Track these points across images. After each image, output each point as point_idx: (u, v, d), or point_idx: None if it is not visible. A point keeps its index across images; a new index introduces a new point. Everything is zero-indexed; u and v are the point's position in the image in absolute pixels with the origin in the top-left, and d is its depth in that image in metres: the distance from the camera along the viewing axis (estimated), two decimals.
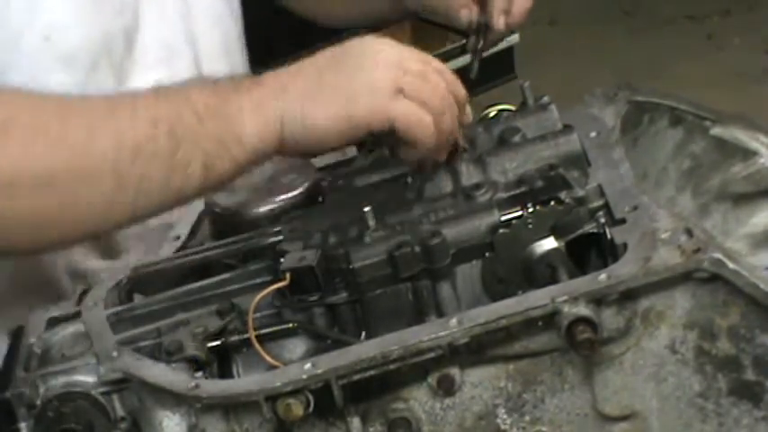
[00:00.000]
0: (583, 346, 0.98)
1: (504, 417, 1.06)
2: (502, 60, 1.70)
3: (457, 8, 1.47)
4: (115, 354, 1.10)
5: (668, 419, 1.04)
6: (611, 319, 1.01)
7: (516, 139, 1.22)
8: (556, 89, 1.32)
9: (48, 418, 1.08)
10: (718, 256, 0.99)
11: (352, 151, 1.36)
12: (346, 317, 1.10)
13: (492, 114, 1.30)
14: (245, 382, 1.07)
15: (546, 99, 1.27)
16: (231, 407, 1.05)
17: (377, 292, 1.09)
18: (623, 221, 1.06)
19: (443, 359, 1.03)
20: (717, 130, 1.21)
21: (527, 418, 1.06)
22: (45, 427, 1.08)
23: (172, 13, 1.49)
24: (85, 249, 1.47)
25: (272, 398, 1.02)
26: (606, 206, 1.10)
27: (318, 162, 1.35)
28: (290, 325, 1.10)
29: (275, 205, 1.23)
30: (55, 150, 1.08)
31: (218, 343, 1.10)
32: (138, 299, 1.24)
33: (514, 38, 1.70)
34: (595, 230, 1.08)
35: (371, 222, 1.11)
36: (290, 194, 1.23)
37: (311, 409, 1.02)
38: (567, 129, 1.20)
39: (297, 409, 1.01)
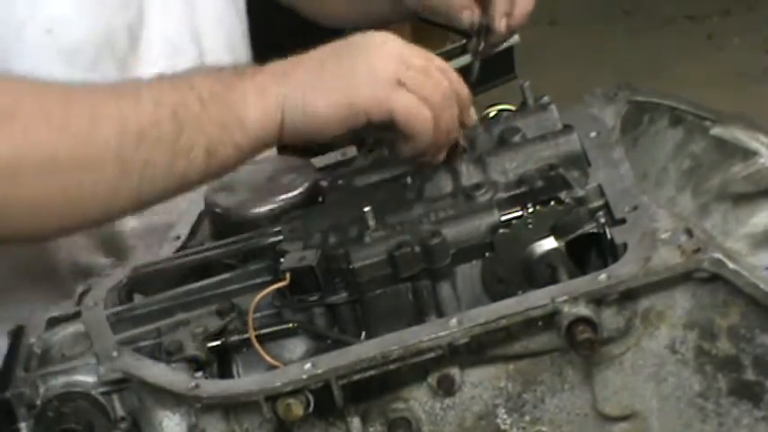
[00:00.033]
0: (583, 346, 0.98)
1: (504, 417, 1.06)
2: (502, 60, 1.70)
3: (458, 9, 1.48)
4: (115, 354, 1.10)
5: (668, 419, 1.04)
6: (611, 319, 1.01)
7: (516, 139, 1.22)
8: (556, 89, 1.32)
9: (48, 418, 1.08)
10: (718, 256, 0.99)
11: (352, 151, 1.37)
12: (346, 317, 1.10)
13: (492, 114, 1.30)
14: (245, 382, 1.07)
15: (546, 99, 1.27)
16: (231, 407, 1.05)
17: (377, 292, 1.09)
18: (623, 221, 1.06)
19: (443, 359, 1.03)
20: (717, 130, 1.21)
21: (527, 418, 1.06)
22: (45, 427, 1.08)
23: (176, 9, 1.49)
24: (88, 245, 1.47)
25: (272, 398, 1.02)
26: (606, 206, 1.10)
27: (318, 162, 1.35)
28: (290, 325, 1.10)
29: (275, 205, 1.23)
30: (58, 136, 1.08)
31: (218, 343, 1.10)
32: (138, 299, 1.24)
33: (515, 38, 1.70)
34: (595, 230, 1.08)
35: (371, 222, 1.11)
36: (290, 194, 1.23)
37: (311, 409, 1.02)
38: (567, 129, 1.20)
39: (297, 409, 1.01)
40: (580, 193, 1.10)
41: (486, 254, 1.10)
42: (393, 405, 1.06)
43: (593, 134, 1.21)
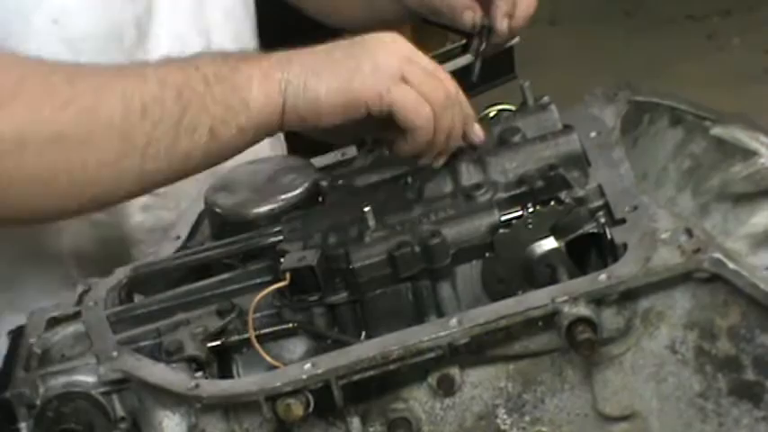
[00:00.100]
0: (583, 346, 0.98)
1: (504, 417, 1.06)
2: (502, 60, 1.70)
3: (460, 10, 1.48)
4: (115, 354, 1.10)
5: (668, 419, 1.04)
6: (611, 319, 1.01)
7: (516, 139, 1.21)
8: (556, 89, 1.32)
9: (48, 418, 1.08)
10: (718, 256, 0.99)
11: (352, 151, 1.37)
12: (346, 317, 1.10)
13: (492, 114, 1.30)
14: (245, 382, 1.07)
15: (546, 99, 1.27)
16: (231, 407, 1.05)
17: (377, 292, 1.09)
18: (623, 221, 1.06)
19: (443, 359, 1.03)
20: (717, 130, 1.21)
21: (527, 418, 1.06)
22: (45, 427, 1.08)
23: (185, 4, 1.50)
24: (93, 235, 1.47)
25: (272, 398, 1.02)
26: (606, 206, 1.10)
27: (318, 162, 1.35)
28: (290, 325, 1.10)
29: (275, 205, 1.22)
30: (63, 112, 1.09)
31: (218, 343, 1.10)
32: (138, 299, 1.24)
33: (515, 38, 1.70)
34: (595, 230, 1.08)
35: (371, 222, 1.11)
36: (290, 194, 1.23)
37: (311, 409, 1.02)
38: (567, 129, 1.20)
39: (297, 409, 1.01)
40: (580, 193, 1.10)
41: (486, 254, 1.10)
42: (393, 405, 1.06)
43: (593, 134, 1.21)
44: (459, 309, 1.09)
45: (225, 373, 1.11)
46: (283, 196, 1.23)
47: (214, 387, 1.05)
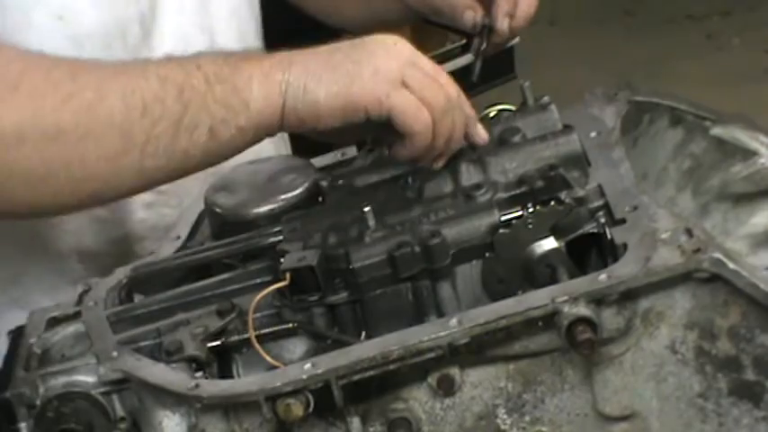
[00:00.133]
0: (583, 346, 0.98)
1: (504, 417, 1.06)
2: (502, 60, 1.70)
3: (461, 10, 1.48)
4: (115, 354, 1.10)
5: (668, 419, 1.04)
6: (611, 319, 1.01)
7: (516, 139, 1.21)
8: (556, 89, 1.32)
9: (48, 418, 1.08)
10: (718, 256, 0.99)
11: (352, 151, 1.37)
12: (346, 317, 1.10)
13: (492, 114, 1.30)
14: (245, 382, 1.07)
15: (546, 99, 1.27)
16: (231, 407, 1.05)
17: (377, 292, 1.09)
18: (623, 221, 1.06)
19: (443, 359, 1.03)
20: (717, 130, 1.21)
21: (527, 418, 1.06)
22: (45, 427, 1.08)
23: (189, 4, 1.50)
24: (95, 231, 1.47)
25: (272, 398, 1.02)
26: (606, 206, 1.10)
27: (318, 162, 1.35)
28: (290, 325, 1.10)
29: (275, 205, 1.22)
30: (63, 106, 1.09)
31: (218, 343, 1.10)
32: (138, 299, 1.24)
33: (515, 38, 1.70)
34: (595, 230, 1.08)
35: (371, 222, 1.11)
36: (290, 194, 1.23)
37: (311, 409, 1.02)
38: (567, 129, 1.20)
39: (297, 409, 1.01)
40: (580, 193, 1.10)
41: (486, 254, 1.10)
42: (393, 405, 1.06)
43: (593, 134, 1.21)
44: (459, 309, 1.09)
45: (225, 373, 1.11)
46: (283, 196, 1.23)
47: (214, 387, 1.05)
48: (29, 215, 1.27)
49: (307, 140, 1.30)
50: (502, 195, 1.13)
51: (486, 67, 1.48)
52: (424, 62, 1.16)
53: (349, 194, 1.23)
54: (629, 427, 1.05)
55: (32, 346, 1.15)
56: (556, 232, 1.08)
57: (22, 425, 1.10)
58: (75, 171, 1.11)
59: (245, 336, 1.09)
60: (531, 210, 1.09)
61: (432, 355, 1.02)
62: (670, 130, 1.26)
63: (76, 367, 1.10)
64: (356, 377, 1.02)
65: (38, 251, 1.46)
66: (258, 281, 1.14)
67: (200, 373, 1.08)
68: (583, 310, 0.99)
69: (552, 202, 1.09)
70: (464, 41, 1.55)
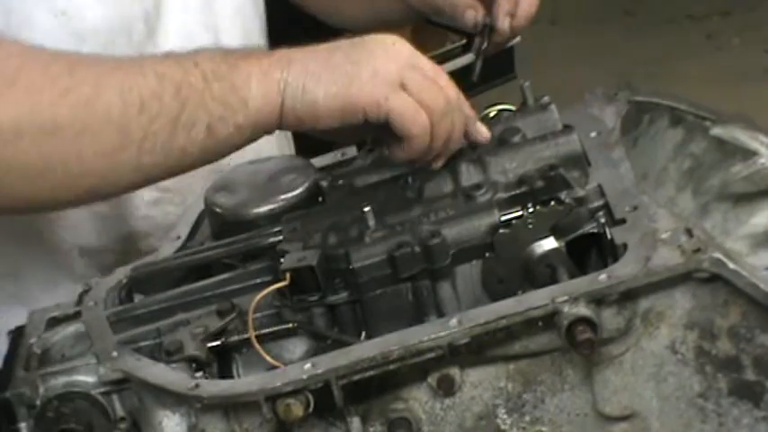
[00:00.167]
0: (583, 346, 0.98)
1: (504, 417, 1.06)
2: (502, 60, 1.70)
3: (462, 9, 1.48)
4: (115, 354, 1.10)
5: (668, 420, 1.04)
6: (611, 319, 1.01)
7: (516, 139, 1.21)
8: (556, 89, 1.32)
9: (48, 418, 1.08)
10: (718, 256, 0.99)
11: (352, 151, 1.37)
12: (346, 317, 1.10)
13: (492, 114, 1.30)
14: (245, 382, 1.07)
15: (546, 99, 1.27)
16: (231, 407, 1.05)
17: (377, 292, 1.09)
18: (623, 221, 1.06)
19: (443, 359, 1.03)
20: (717, 130, 1.21)
21: (527, 418, 1.06)
22: (45, 427, 1.08)
23: (194, 2, 1.50)
24: (97, 228, 1.47)
25: (272, 398, 1.02)
26: (606, 206, 1.10)
27: (318, 162, 1.35)
28: (290, 325, 1.10)
29: (275, 205, 1.22)
30: (61, 101, 1.09)
31: (218, 343, 1.10)
32: (138, 299, 1.24)
33: (516, 38, 1.71)
34: (595, 230, 1.08)
35: (371, 222, 1.11)
36: (290, 194, 1.23)
37: (311, 409, 1.02)
38: (567, 129, 1.20)
39: (297, 409, 1.01)
40: (580, 193, 1.10)
41: (486, 254, 1.10)
42: (393, 405, 1.06)
43: (593, 134, 1.21)
44: (459, 309, 1.09)
45: (225, 373, 1.11)
46: (283, 196, 1.23)
47: (214, 387, 1.05)
48: (27, 210, 1.27)
49: (310, 140, 1.31)
50: (502, 195, 1.13)
51: (487, 66, 1.48)
52: (424, 63, 1.16)
53: (349, 194, 1.23)
54: (629, 427, 1.05)
55: (32, 346, 1.15)
56: (556, 232, 1.08)
57: (22, 425, 1.10)
58: (72, 166, 1.11)
59: (245, 336, 1.09)
60: (531, 210, 1.09)
61: (432, 355, 1.02)
62: (670, 130, 1.26)
63: (76, 367, 1.10)
64: (356, 377, 1.02)
65: (38, 246, 1.46)
66: (258, 281, 1.14)
67: (200, 373, 1.08)
68: (583, 310, 0.99)
69: (552, 202, 1.09)
70: (464, 41, 1.55)
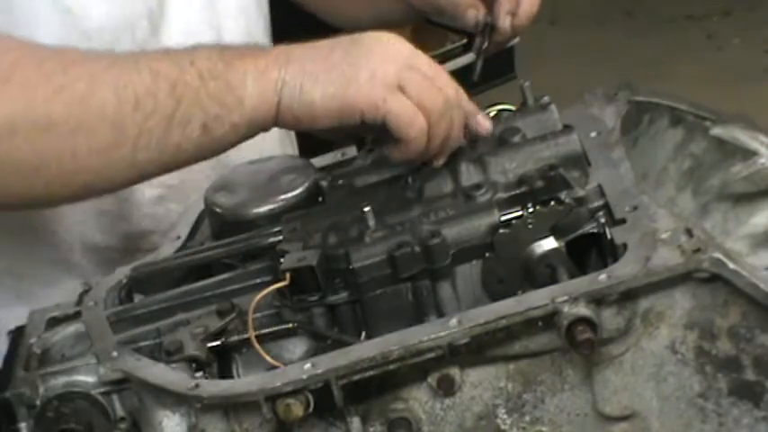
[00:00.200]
0: (583, 346, 0.98)
1: (504, 417, 1.06)
2: (502, 60, 1.70)
3: (464, 8, 1.48)
4: (115, 354, 1.10)
5: (668, 420, 1.04)
6: (611, 319, 1.01)
7: (516, 139, 1.21)
8: (556, 89, 1.32)
9: (47, 418, 1.08)
10: (718, 256, 0.99)
11: (352, 151, 1.37)
12: (346, 317, 1.10)
13: (492, 114, 1.30)
14: (245, 382, 1.07)
15: (546, 99, 1.27)
16: (231, 407, 1.05)
17: (377, 292, 1.09)
18: (623, 221, 1.06)
19: (443, 359, 1.03)
20: (717, 130, 1.21)
21: (527, 418, 1.06)
22: (45, 427, 1.08)
23: (197, 0, 1.49)
24: (100, 226, 1.47)
25: (272, 398, 1.02)
26: (606, 206, 1.10)
27: (318, 162, 1.35)
28: (290, 325, 1.10)
29: (275, 205, 1.22)
30: (55, 98, 1.09)
31: (218, 343, 1.10)
32: (138, 299, 1.24)
33: (517, 37, 1.71)
34: (595, 230, 1.08)
35: (371, 222, 1.11)
36: (290, 194, 1.23)
37: (311, 409, 1.02)
38: (567, 129, 1.20)
39: (297, 409, 1.01)
40: (580, 193, 1.10)
41: (486, 254, 1.10)
42: (393, 405, 1.06)
43: (593, 134, 1.21)
44: (459, 309, 1.09)
45: (225, 373, 1.11)
46: (283, 196, 1.23)
47: (214, 387, 1.05)
48: (21, 206, 1.27)
49: (313, 139, 1.31)
50: (502, 195, 1.13)
51: (487, 66, 1.48)
52: (422, 62, 1.15)
53: (349, 194, 1.23)
54: (629, 427, 1.05)
55: (32, 346, 1.15)
56: (556, 232, 1.08)
57: (22, 425, 1.10)
58: (66, 163, 1.11)
59: (245, 336, 1.09)
60: (531, 210, 1.09)
61: (432, 355, 1.02)
62: (670, 130, 1.26)
63: (76, 367, 1.10)
64: (356, 377, 1.02)
65: (41, 243, 1.45)
66: (258, 281, 1.14)
67: (200, 373, 1.08)
68: (583, 310, 0.99)
69: (552, 202, 1.09)
70: (464, 41, 1.55)
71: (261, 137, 1.18)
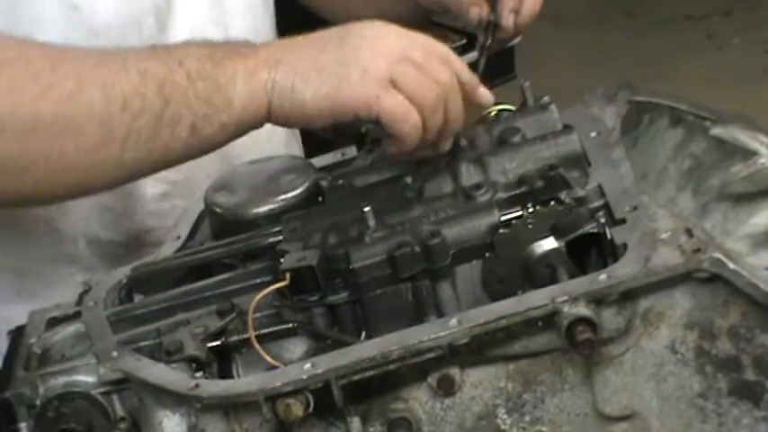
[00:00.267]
0: (583, 346, 0.98)
1: (504, 417, 1.06)
2: (502, 60, 1.70)
3: (467, 6, 1.48)
4: (115, 354, 1.10)
5: (668, 420, 1.04)
6: (611, 319, 1.01)
7: (516, 139, 1.21)
8: (556, 89, 1.32)
9: (47, 418, 1.08)
10: (718, 256, 0.99)
11: (352, 151, 1.37)
12: (346, 317, 1.10)
13: (492, 114, 1.30)
14: (245, 382, 1.07)
15: (546, 99, 1.27)
16: (231, 407, 1.05)
17: (377, 292, 1.09)
18: (623, 221, 1.06)
19: (443, 359, 1.03)
20: (717, 130, 1.21)
21: (527, 418, 1.06)
22: (45, 427, 1.08)
23: None
24: (103, 221, 1.47)
25: (272, 398, 1.02)
26: (606, 206, 1.10)
27: (318, 162, 1.35)
28: (290, 325, 1.10)
29: (275, 205, 1.22)
30: (43, 96, 1.09)
31: (218, 343, 1.10)
32: (138, 299, 1.24)
33: (519, 36, 1.71)
34: (595, 230, 1.08)
35: (371, 222, 1.11)
36: (289, 194, 1.23)
37: (311, 409, 1.02)
38: (567, 129, 1.20)
39: (297, 409, 1.01)
40: (580, 193, 1.10)
41: (486, 254, 1.10)
42: (393, 405, 1.06)
43: (593, 134, 1.21)
44: (459, 309, 1.09)
45: (225, 373, 1.11)
46: (283, 196, 1.23)
47: (214, 387, 1.05)
48: (11, 204, 1.28)
49: (317, 139, 1.31)
50: (502, 195, 1.13)
51: (487, 66, 1.48)
52: (414, 50, 1.14)
53: (349, 194, 1.23)
54: (629, 427, 1.05)
55: (32, 346, 1.15)
56: (556, 232, 1.08)
57: (22, 425, 1.10)
58: (54, 161, 1.11)
59: (245, 336, 1.09)
60: (531, 210, 1.09)
61: (432, 355, 1.02)
62: (670, 130, 1.26)
63: (76, 367, 1.10)
64: (356, 377, 1.02)
65: (45, 238, 1.45)
66: (258, 281, 1.14)
67: (200, 373, 1.08)
68: (583, 310, 0.99)
69: (552, 202, 1.09)
70: (464, 41, 1.55)
71: (267, 137, 1.18)
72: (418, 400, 1.06)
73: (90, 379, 1.09)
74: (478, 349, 1.03)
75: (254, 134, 1.18)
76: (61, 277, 1.44)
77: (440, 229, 1.09)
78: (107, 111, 1.10)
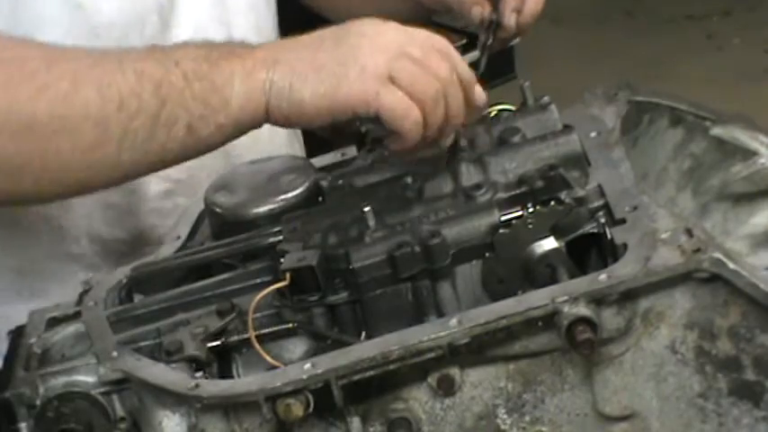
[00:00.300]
0: (583, 346, 0.98)
1: (504, 417, 1.06)
2: (502, 60, 1.70)
3: (469, 5, 1.48)
4: (115, 354, 1.10)
5: (668, 420, 1.04)
6: (611, 319, 1.01)
7: (516, 139, 1.21)
8: (556, 89, 1.32)
9: (47, 418, 1.08)
10: (718, 256, 0.99)
11: (352, 151, 1.37)
12: (346, 317, 1.10)
13: (492, 114, 1.30)
14: (245, 382, 1.07)
15: (546, 99, 1.27)
16: (231, 407, 1.05)
17: (377, 292, 1.09)
18: (623, 221, 1.06)
19: (443, 359, 1.03)
20: (717, 130, 1.21)
21: (527, 418, 1.06)
22: (45, 427, 1.08)
23: None
24: (106, 218, 1.47)
25: (272, 398, 1.02)
26: (606, 206, 1.10)
27: (318, 162, 1.35)
28: (290, 325, 1.10)
29: (275, 205, 1.22)
30: (38, 96, 1.10)
31: (218, 343, 1.10)
32: (138, 299, 1.24)
33: (521, 35, 1.71)
34: (595, 230, 1.08)
35: (371, 222, 1.11)
36: (289, 194, 1.23)
37: (311, 409, 1.02)
38: (567, 129, 1.20)
39: (297, 409, 1.01)
40: (580, 193, 1.10)
41: (486, 254, 1.10)
42: (393, 405, 1.06)
43: (593, 134, 1.21)
44: (459, 309, 1.09)
45: (225, 373, 1.11)
46: (283, 196, 1.23)
47: (214, 387, 1.05)
48: (9, 203, 1.28)
49: (319, 138, 1.31)
50: (502, 195, 1.13)
51: (487, 66, 1.48)
52: (413, 46, 1.14)
53: (349, 194, 1.23)
54: (629, 427, 1.05)
55: (32, 346, 1.15)
56: (556, 232, 1.08)
57: (22, 425, 1.10)
58: (50, 161, 1.11)
59: (245, 336, 1.09)
60: (531, 210, 1.09)
61: (432, 355, 1.02)
62: (670, 130, 1.26)
63: (76, 367, 1.10)
64: (356, 377, 1.02)
65: (46, 236, 1.45)
66: (258, 281, 1.14)
67: (200, 373, 1.08)
68: (583, 310, 0.99)
69: (552, 202, 1.09)
70: (464, 41, 1.55)
71: (269, 137, 1.18)
72: (418, 400, 1.06)
73: (90, 379, 1.09)
74: (478, 349, 1.03)
75: (255, 134, 1.18)
76: (63, 275, 1.44)
77: (440, 229, 1.09)
78: (103, 111, 1.10)
